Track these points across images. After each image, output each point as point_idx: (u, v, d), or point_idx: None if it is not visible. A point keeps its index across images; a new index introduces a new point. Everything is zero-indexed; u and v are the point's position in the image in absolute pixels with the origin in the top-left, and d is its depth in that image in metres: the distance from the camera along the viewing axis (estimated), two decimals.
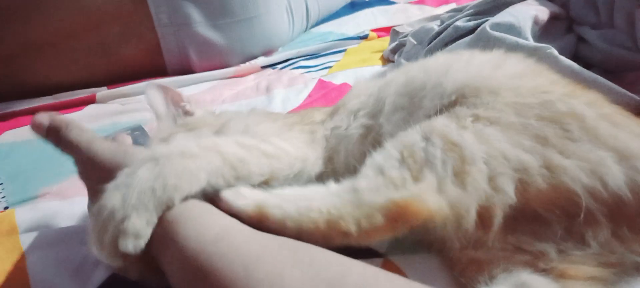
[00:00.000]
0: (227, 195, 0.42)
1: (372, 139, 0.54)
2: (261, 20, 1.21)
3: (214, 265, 0.35)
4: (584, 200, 0.37)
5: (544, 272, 0.37)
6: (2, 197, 0.72)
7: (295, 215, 0.39)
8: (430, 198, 0.38)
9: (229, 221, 0.40)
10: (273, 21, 1.23)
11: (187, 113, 0.64)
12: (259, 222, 0.40)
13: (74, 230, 0.59)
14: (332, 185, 0.41)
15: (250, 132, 0.57)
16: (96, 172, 0.46)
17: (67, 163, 0.77)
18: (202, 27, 1.16)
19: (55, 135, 0.52)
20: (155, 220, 0.39)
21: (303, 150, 0.52)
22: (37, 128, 0.54)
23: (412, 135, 0.42)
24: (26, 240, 0.58)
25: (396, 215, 0.37)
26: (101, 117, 0.95)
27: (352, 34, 1.23)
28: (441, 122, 0.43)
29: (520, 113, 0.42)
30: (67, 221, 0.61)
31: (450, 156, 0.40)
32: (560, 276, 0.37)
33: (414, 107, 0.51)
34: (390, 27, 1.13)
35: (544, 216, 0.39)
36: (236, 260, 0.34)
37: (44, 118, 0.53)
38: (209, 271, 0.34)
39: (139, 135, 0.75)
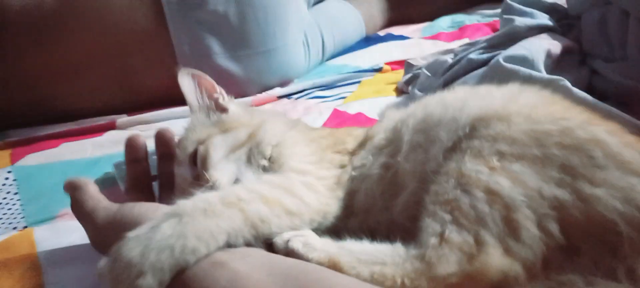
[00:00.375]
0: (297, 246, 0.44)
1: (390, 177, 0.54)
2: (279, 53, 1.24)
3: None
4: (623, 228, 0.37)
5: None
6: (22, 218, 0.74)
7: (369, 278, 0.41)
8: (499, 262, 0.39)
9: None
10: (290, 53, 1.26)
11: (220, 107, 0.63)
12: None
13: (90, 248, 0.60)
14: (399, 248, 0.43)
15: (283, 148, 0.58)
16: (108, 237, 0.48)
17: None
18: (222, 58, 1.19)
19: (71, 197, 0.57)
20: (167, 280, 0.40)
21: (326, 201, 0.53)
22: (67, 188, 0.59)
23: (450, 190, 0.43)
24: (44, 257, 0.59)
25: (470, 281, 0.39)
26: (121, 143, 0.97)
27: (366, 66, 1.25)
28: (471, 168, 0.43)
29: (541, 142, 0.43)
30: (85, 240, 0.62)
31: (496, 208, 0.41)
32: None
33: (429, 142, 0.52)
34: (404, 61, 1.15)
35: (576, 246, 0.39)
36: None
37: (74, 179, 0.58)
38: None
39: (123, 169, 0.74)
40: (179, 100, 1.24)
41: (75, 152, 0.94)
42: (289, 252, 0.44)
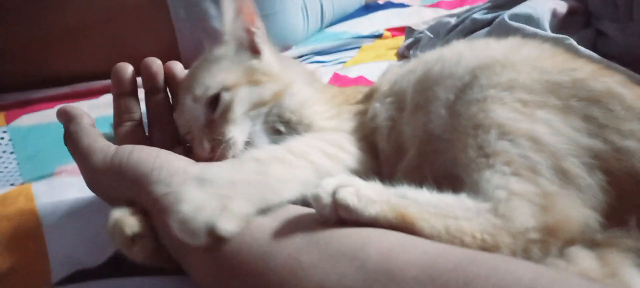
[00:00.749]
0: (349, 199, 0.38)
1: (397, 135, 0.53)
2: (277, 18, 1.22)
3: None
4: None
5: (581, 243, 0.37)
6: (19, 175, 0.73)
7: (445, 235, 0.37)
8: (576, 211, 0.38)
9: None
10: (288, 19, 1.24)
11: (254, 46, 0.57)
12: (404, 231, 0.37)
13: (89, 201, 0.59)
14: (465, 200, 0.39)
15: (303, 110, 0.56)
16: (104, 182, 0.47)
17: None
18: (219, 22, 1.16)
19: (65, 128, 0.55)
20: (253, 214, 0.39)
21: (361, 155, 0.52)
22: (60, 116, 0.57)
23: (494, 141, 0.41)
24: (43, 210, 0.58)
25: (551, 235, 0.37)
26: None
27: (366, 33, 1.23)
28: (505, 116, 0.42)
29: (557, 93, 0.43)
30: (83, 194, 0.62)
31: (544, 157, 0.40)
32: (597, 245, 0.37)
33: (428, 102, 0.51)
34: (405, 27, 1.14)
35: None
36: None
37: (67, 107, 0.55)
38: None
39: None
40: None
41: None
42: (339, 208, 0.38)
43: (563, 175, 0.39)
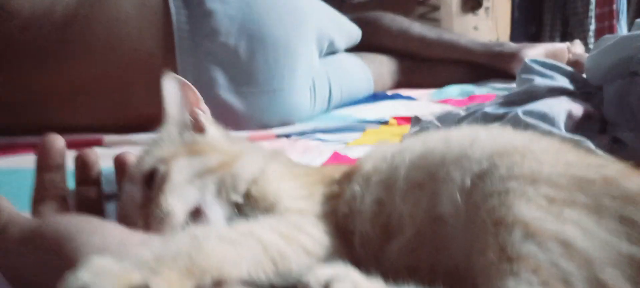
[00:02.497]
0: None
1: (385, 218, 0.48)
2: (284, 94, 1.21)
3: None
4: None
5: None
6: None
7: None
8: None
9: None
10: (295, 96, 1.23)
11: (198, 126, 0.56)
12: None
13: None
14: None
15: (266, 184, 0.51)
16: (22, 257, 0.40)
17: None
18: (225, 91, 1.15)
19: None
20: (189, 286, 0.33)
21: (334, 241, 0.47)
22: None
23: (518, 242, 0.36)
24: None
25: None
26: (104, 158, 0.90)
27: (372, 118, 1.21)
28: (530, 214, 0.37)
29: (586, 190, 0.38)
30: None
31: (576, 266, 0.34)
32: None
33: (436, 183, 0.46)
34: (411, 117, 1.11)
35: None
36: None
37: None
38: None
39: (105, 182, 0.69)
40: None
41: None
42: None
43: None
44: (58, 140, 0.52)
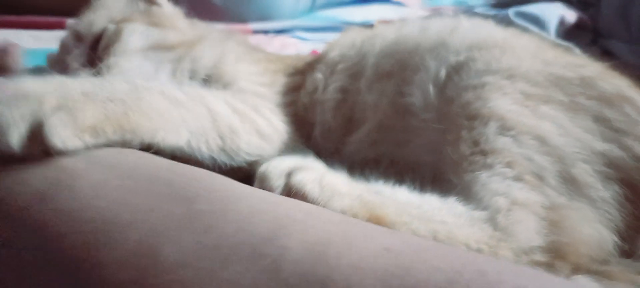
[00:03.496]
0: (310, 187, 0.29)
1: (348, 109, 0.47)
2: None
3: None
4: None
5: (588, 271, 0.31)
6: None
7: (430, 237, 0.30)
8: (586, 230, 0.32)
9: None
10: None
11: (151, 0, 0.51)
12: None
13: None
14: (454, 205, 0.33)
15: (223, 66, 0.48)
16: None
17: None
18: None
19: None
20: (106, 138, 0.29)
21: (285, 129, 0.45)
22: None
23: (493, 135, 0.35)
24: None
25: (559, 257, 0.31)
26: None
27: (357, 20, 1.15)
28: (506, 108, 0.36)
29: (563, 88, 0.37)
30: None
31: (550, 161, 0.34)
32: (602, 275, 0.31)
33: (406, 72, 0.44)
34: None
35: None
36: None
37: None
38: None
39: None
40: None
41: (8, 40, 0.81)
42: (293, 195, 0.29)
43: (573, 185, 0.33)
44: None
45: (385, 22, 1.14)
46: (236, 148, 0.38)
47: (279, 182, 0.29)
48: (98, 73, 0.42)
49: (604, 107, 0.36)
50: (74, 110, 0.28)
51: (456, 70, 0.40)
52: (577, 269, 0.30)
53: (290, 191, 0.29)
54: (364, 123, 0.45)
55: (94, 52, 0.44)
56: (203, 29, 0.54)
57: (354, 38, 0.51)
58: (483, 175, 0.34)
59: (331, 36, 1.00)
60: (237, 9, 1.10)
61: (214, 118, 0.37)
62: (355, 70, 0.47)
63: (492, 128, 0.35)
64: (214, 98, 0.39)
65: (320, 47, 0.90)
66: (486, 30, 0.44)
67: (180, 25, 0.51)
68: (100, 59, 0.43)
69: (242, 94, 0.44)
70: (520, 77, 0.38)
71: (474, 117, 0.37)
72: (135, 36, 0.45)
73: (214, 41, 0.52)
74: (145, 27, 0.47)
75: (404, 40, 0.46)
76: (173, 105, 0.34)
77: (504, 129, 0.35)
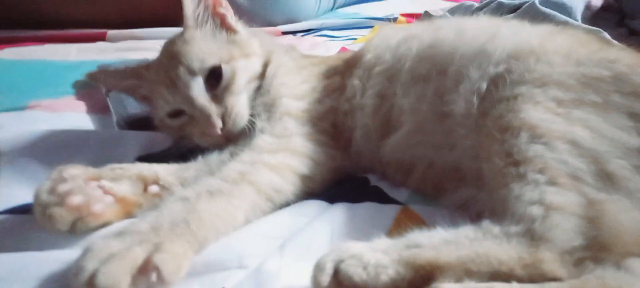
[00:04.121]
0: (358, 274, 0.30)
1: (386, 111, 0.48)
2: None
3: None
4: None
5: None
6: None
7: (475, 263, 0.30)
8: (626, 219, 0.32)
9: None
10: None
11: (228, 26, 0.55)
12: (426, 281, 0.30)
13: (57, 135, 0.53)
14: (490, 227, 0.32)
15: (274, 79, 0.53)
16: None
17: (63, 85, 0.72)
18: None
19: None
20: (190, 255, 0.34)
21: (332, 152, 0.48)
22: None
23: (525, 144, 0.36)
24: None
25: (603, 250, 0.31)
26: (109, 51, 0.90)
27: (380, 16, 1.17)
28: (537, 116, 0.37)
29: (596, 88, 0.38)
30: (52, 126, 0.56)
31: (585, 161, 0.34)
32: None
33: (445, 77, 0.44)
34: (421, 13, 1.07)
35: None
36: None
37: None
38: None
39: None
40: (177, 23, 1.17)
41: (57, 54, 0.86)
42: (345, 283, 0.30)
43: (609, 180, 0.33)
44: None
45: (408, 15, 1.17)
46: (286, 199, 0.42)
47: (326, 279, 0.30)
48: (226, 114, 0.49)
49: (638, 102, 0.37)
50: (163, 248, 0.32)
51: (495, 83, 0.41)
52: (628, 254, 0.30)
53: (340, 282, 0.30)
54: (402, 125, 0.47)
55: (209, 85, 0.50)
56: (268, 45, 0.58)
57: (388, 39, 0.52)
58: (516, 187, 0.34)
59: (357, 32, 1.04)
60: (264, 12, 1.13)
61: (258, 188, 0.40)
62: (391, 73, 0.49)
63: (523, 138, 0.36)
64: (252, 167, 0.42)
65: (348, 44, 0.94)
66: (525, 36, 0.44)
67: (255, 47, 0.55)
68: (221, 99, 0.50)
69: (280, 124, 0.48)
70: (552, 84, 0.39)
71: (505, 130, 0.37)
72: (242, 74, 0.51)
73: (277, 55, 0.55)
74: (245, 62, 0.52)
75: (440, 44, 0.47)
76: (221, 199, 0.38)
77: (535, 137, 0.36)
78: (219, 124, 0.47)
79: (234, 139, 0.49)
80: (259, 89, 0.52)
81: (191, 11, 0.53)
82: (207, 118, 0.48)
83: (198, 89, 0.49)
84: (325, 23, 1.10)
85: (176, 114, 0.51)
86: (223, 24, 0.55)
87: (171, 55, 0.52)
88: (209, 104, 0.48)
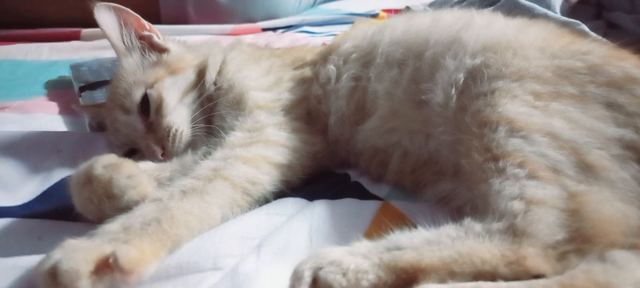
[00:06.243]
0: (338, 282, 0.29)
1: (360, 96, 0.48)
2: None
3: None
4: None
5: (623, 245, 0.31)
6: None
7: (457, 263, 0.30)
8: (608, 209, 0.31)
9: None
10: None
11: (157, 47, 0.54)
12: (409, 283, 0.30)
13: (26, 137, 0.51)
14: (472, 224, 0.32)
15: (226, 70, 0.52)
16: None
17: (34, 85, 0.70)
18: None
19: None
20: (162, 254, 0.33)
21: (310, 138, 0.47)
22: None
23: (503, 139, 0.35)
24: None
25: (587, 242, 0.30)
26: (83, 50, 0.88)
27: (361, 11, 1.17)
28: (515, 110, 0.36)
29: (572, 80, 0.38)
30: (23, 128, 0.54)
31: (565, 153, 0.34)
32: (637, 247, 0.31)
33: (422, 63, 0.44)
34: (402, 9, 1.07)
35: None
36: None
37: None
38: None
39: (80, 71, 0.69)
40: (151, 20, 1.15)
41: (29, 54, 0.84)
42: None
43: (590, 171, 0.33)
44: None
45: (389, 11, 1.16)
46: (263, 191, 0.41)
47: (308, 284, 0.29)
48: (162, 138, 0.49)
49: (614, 93, 0.37)
50: (123, 250, 0.31)
51: (472, 76, 0.41)
52: (611, 246, 0.30)
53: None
54: (376, 110, 0.46)
55: (144, 116, 0.50)
56: (202, 49, 0.57)
57: (365, 30, 0.53)
58: (496, 182, 0.33)
59: (338, 29, 1.03)
60: (244, 8, 1.12)
61: (233, 182, 0.39)
62: (366, 59, 0.49)
63: (501, 132, 0.35)
64: (225, 162, 0.41)
65: (329, 40, 0.93)
66: (499, 27, 0.45)
67: (188, 60, 0.54)
68: (156, 124, 0.49)
69: (248, 120, 0.47)
70: (529, 77, 0.39)
71: (484, 125, 0.37)
72: (171, 92, 0.50)
73: (215, 56, 0.54)
74: (172, 78, 0.51)
75: (414, 29, 0.47)
76: (195, 198, 0.37)
77: (514, 130, 0.35)
78: (158, 152, 0.47)
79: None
80: (209, 97, 0.51)
81: (116, 39, 0.53)
82: (146, 149, 0.48)
83: (132, 126, 0.50)
84: (306, 19, 1.09)
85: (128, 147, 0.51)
86: (152, 46, 0.54)
87: (111, 92, 0.53)
88: (143, 137, 0.49)
